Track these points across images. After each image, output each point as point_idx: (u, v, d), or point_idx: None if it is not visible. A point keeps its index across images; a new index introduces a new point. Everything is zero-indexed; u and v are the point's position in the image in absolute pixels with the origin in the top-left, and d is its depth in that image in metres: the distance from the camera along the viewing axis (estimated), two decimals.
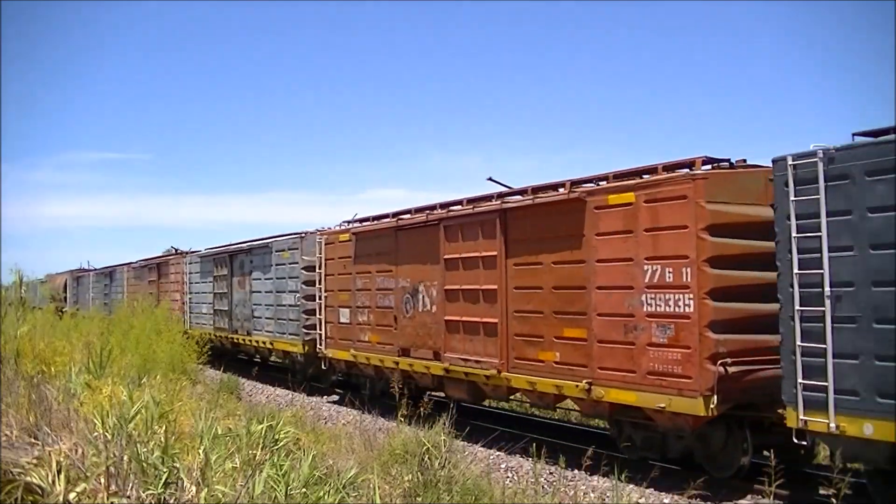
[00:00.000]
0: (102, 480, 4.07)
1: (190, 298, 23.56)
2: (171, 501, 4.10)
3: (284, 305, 16.85)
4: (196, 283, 23.16)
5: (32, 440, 4.90)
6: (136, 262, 30.91)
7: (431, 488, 6.37)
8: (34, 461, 4.25)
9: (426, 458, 6.71)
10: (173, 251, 26.82)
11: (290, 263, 16.67)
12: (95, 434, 4.71)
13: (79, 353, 9.98)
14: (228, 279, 20.23)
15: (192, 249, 24.81)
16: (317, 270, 15.35)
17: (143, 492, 4.08)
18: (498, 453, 10.19)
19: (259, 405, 13.14)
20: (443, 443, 6.94)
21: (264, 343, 18.08)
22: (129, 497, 4.05)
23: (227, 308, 20.27)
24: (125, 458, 4.27)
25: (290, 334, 16.60)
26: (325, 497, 4.73)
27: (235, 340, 20.10)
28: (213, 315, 21.39)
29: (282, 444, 5.93)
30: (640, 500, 7.82)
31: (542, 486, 8.04)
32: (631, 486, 7.72)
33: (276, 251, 17.37)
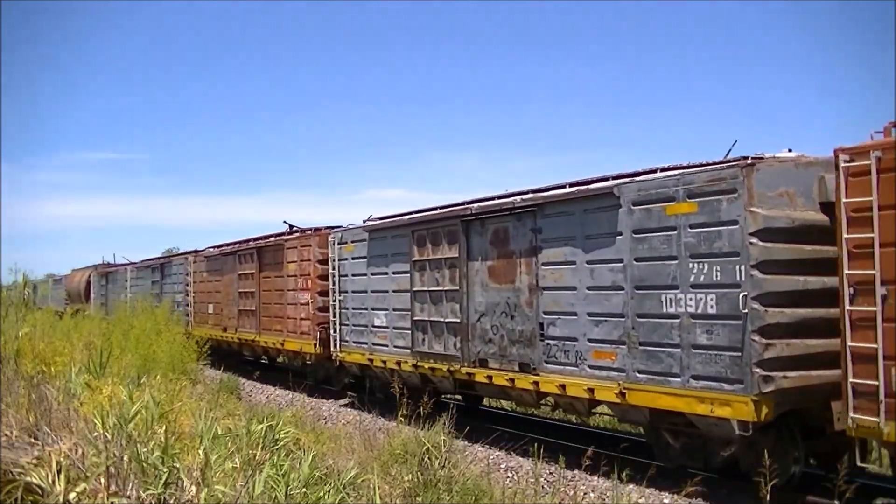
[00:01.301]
0: (102, 480, 4.07)
1: (342, 301, 14.35)
2: (171, 501, 4.11)
3: (673, 317, 7.91)
4: (359, 276, 13.85)
5: (32, 440, 4.90)
6: (213, 249, 21.77)
7: (431, 488, 6.38)
8: (34, 461, 4.25)
9: (426, 458, 6.72)
10: (288, 228, 17.49)
11: (697, 227, 7.69)
12: (95, 434, 4.71)
13: (79, 353, 9.98)
14: (460, 266, 11.18)
15: (348, 225, 14.83)
16: (843, 234, 6.52)
17: (143, 492, 4.08)
18: (498, 453, 10.19)
19: (259, 405, 13.15)
20: (443, 443, 6.95)
21: (588, 390, 8.93)
22: (129, 497, 4.05)
23: (457, 318, 11.30)
24: (125, 458, 4.27)
25: (698, 379, 7.64)
26: (325, 497, 4.73)
27: (477, 377, 10.96)
28: (410, 331, 12.36)
29: (282, 444, 5.94)
30: (639, 500, 7.82)
31: (542, 486, 8.05)
32: (631, 485, 7.72)
33: (640, 205, 8.32)
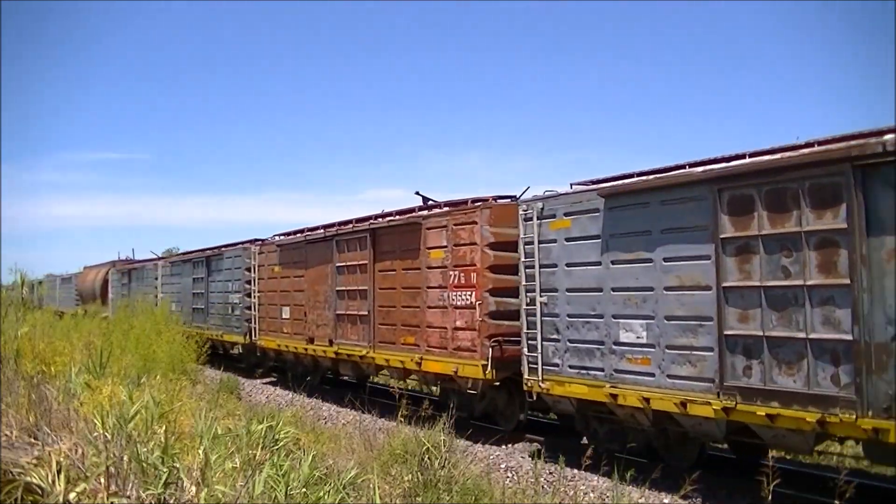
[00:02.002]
0: (102, 480, 4.07)
1: (547, 305, 9.61)
2: (171, 501, 4.10)
3: None
4: (583, 265, 9.21)
5: (32, 440, 4.90)
6: (286, 236, 17.17)
7: (431, 488, 6.38)
8: (34, 461, 4.25)
9: (426, 458, 6.71)
10: (423, 201, 12.71)
11: None
12: (95, 434, 4.71)
13: (79, 353, 9.98)
14: (852, 245, 6.58)
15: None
16: None
17: (143, 492, 4.08)
18: (498, 453, 10.19)
19: (259, 405, 13.15)
20: (443, 443, 6.94)
21: None
22: (129, 497, 4.05)
23: (843, 334, 6.63)
24: (125, 458, 4.27)
25: None
26: (325, 497, 4.73)
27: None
28: (713, 352, 7.69)
29: (282, 444, 5.94)
30: (640, 500, 7.82)
31: (542, 486, 8.05)
32: (631, 486, 7.72)
33: None
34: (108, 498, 3.99)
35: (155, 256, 27.02)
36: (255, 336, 18.22)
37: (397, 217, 12.98)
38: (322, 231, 15.25)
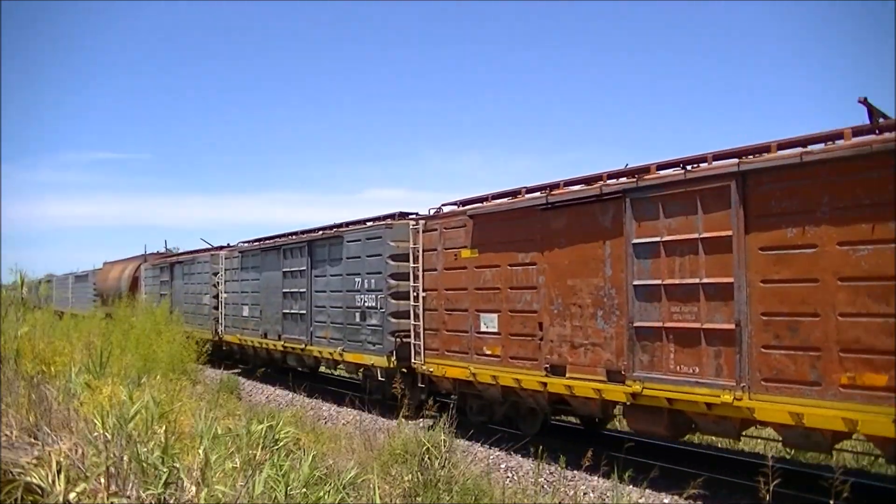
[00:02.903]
0: (102, 480, 4.07)
1: None
2: (171, 501, 4.11)
3: None
4: None
5: (32, 440, 4.91)
6: (494, 199, 10.64)
7: (431, 488, 6.39)
8: (34, 461, 4.26)
9: (426, 458, 6.72)
10: (868, 115, 6.55)
11: None
12: (95, 434, 4.71)
13: (79, 353, 9.99)
14: None
15: None
16: None
17: (143, 492, 4.09)
18: (498, 453, 10.20)
19: (259, 405, 13.15)
20: (443, 443, 6.95)
21: None
22: (129, 497, 4.05)
23: None
24: (125, 458, 4.28)
25: None
26: (325, 497, 4.74)
27: None
28: None
29: (282, 444, 5.95)
30: (639, 500, 7.83)
31: (542, 486, 8.06)
32: (631, 486, 7.73)
33: None
34: (108, 498, 4.00)
35: (209, 245, 21.76)
36: (417, 358, 11.95)
37: (806, 149, 6.91)
38: (595, 187, 8.93)
